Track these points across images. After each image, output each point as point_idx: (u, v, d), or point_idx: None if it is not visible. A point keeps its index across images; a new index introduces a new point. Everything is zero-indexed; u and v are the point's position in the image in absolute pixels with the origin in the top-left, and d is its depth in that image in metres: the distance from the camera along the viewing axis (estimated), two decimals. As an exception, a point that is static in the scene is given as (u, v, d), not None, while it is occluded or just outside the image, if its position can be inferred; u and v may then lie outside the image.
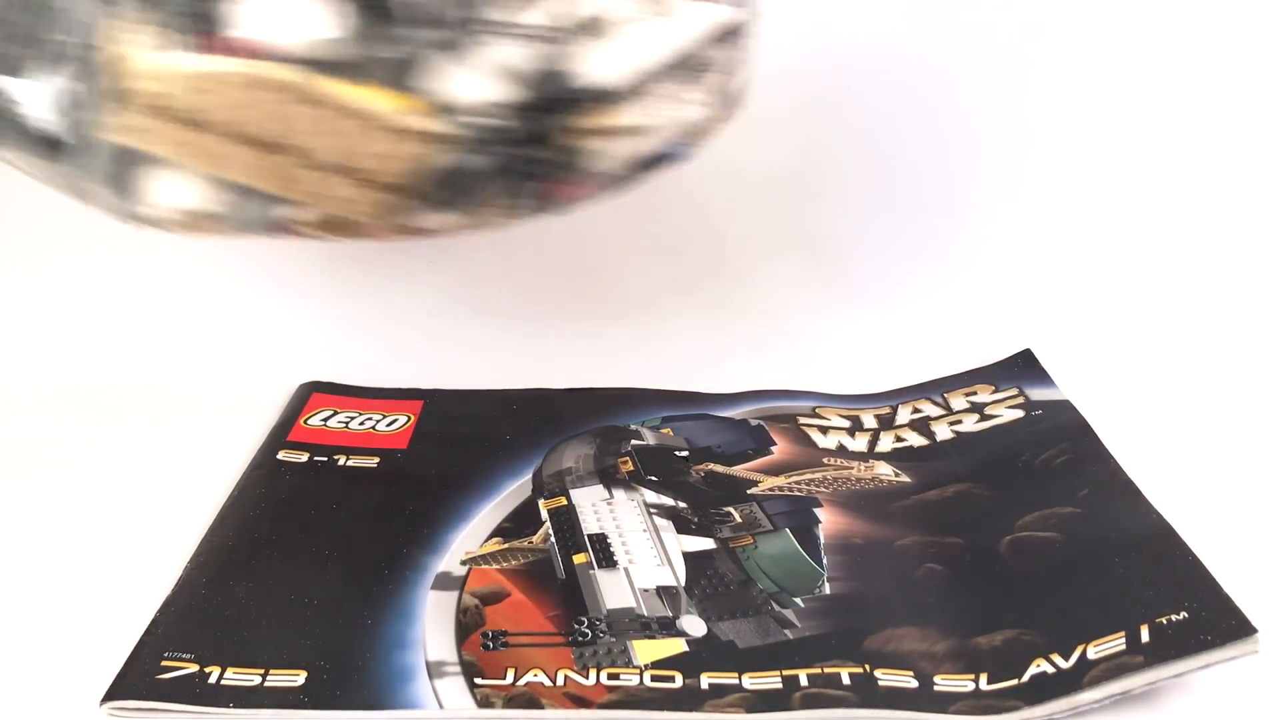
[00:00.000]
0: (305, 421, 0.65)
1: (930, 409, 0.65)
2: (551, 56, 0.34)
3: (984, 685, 0.45)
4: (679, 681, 0.46)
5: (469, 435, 0.64)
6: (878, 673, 0.45)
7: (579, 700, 0.45)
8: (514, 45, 0.33)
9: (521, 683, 0.46)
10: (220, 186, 0.33)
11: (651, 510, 0.56)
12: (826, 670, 0.46)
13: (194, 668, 0.46)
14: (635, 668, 0.46)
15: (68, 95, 0.32)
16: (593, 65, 0.35)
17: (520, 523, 0.56)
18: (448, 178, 0.34)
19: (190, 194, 0.34)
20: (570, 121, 0.35)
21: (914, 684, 0.45)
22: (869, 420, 0.64)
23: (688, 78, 0.37)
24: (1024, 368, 0.67)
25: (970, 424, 0.63)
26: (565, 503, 0.57)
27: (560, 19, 0.33)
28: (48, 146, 0.34)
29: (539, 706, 0.44)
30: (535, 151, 0.35)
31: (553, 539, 0.54)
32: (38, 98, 0.32)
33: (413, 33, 0.32)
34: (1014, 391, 0.65)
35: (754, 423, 0.64)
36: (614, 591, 0.51)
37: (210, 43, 0.31)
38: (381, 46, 0.32)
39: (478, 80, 0.33)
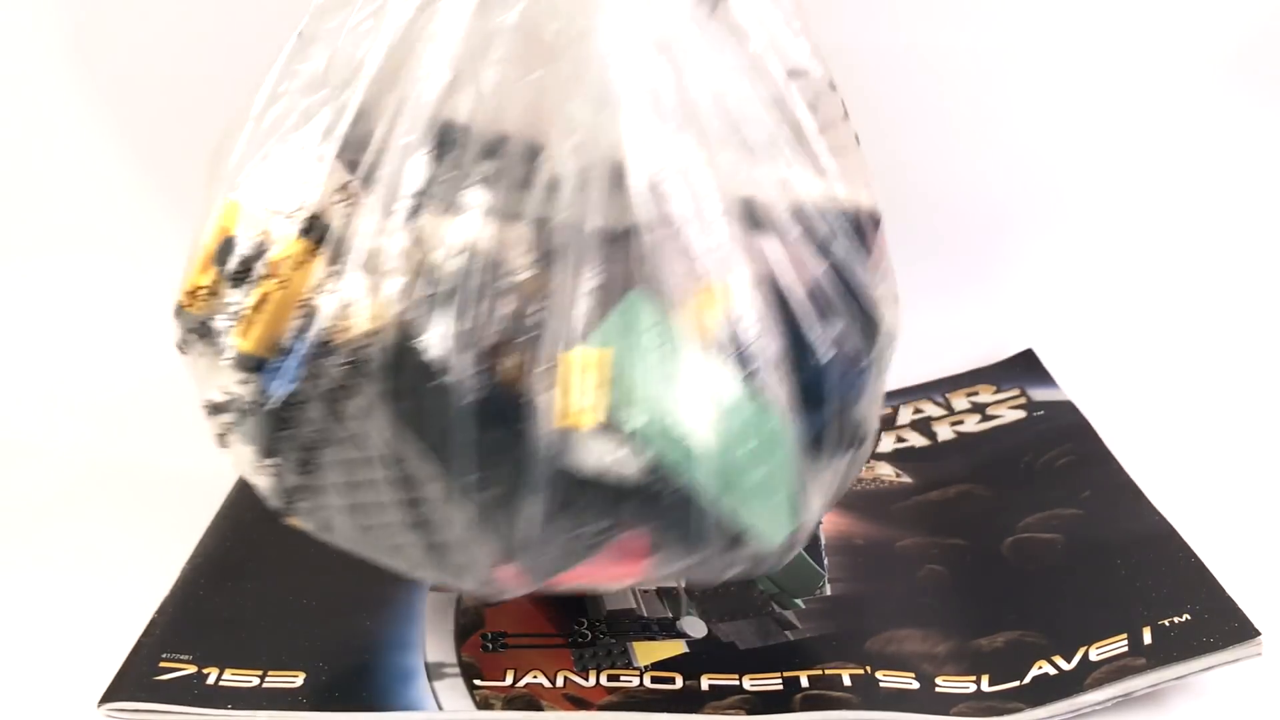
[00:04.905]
0: (305, 421, 0.65)
1: (932, 409, 0.65)
2: None
3: (985, 687, 0.45)
4: (679, 683, 0.45)
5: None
6: (879, 674, 0.45)
7: (578, 702, 0.45)
8: None
9: (521, 684, 0.45)
10: None
11: (652, 511, 0.56)
12: (827, 672, 0.45)
13: (192, 669, 0.46)
14: (635, 669, 0.46)
15: None
16: None
17: (520, 523, 0.56)
18: None
19: None
20: None
21: (915, 685, 0.45)
22: (870, 421, 0.64)
23: None
24: (1026, 368, 0.67)
25: (972, 424, 0.63)
26: (565, 503, 0.57)
27: None
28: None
29: (538, 708, 0.44)
30: None
31: (553, 540, 0.54)
32: None
33: None
34: (1016, 392, 0.65)
35: (755, 423, 0.64)
36: (614, 593, 0.50)
37: None
38: None
39: None
